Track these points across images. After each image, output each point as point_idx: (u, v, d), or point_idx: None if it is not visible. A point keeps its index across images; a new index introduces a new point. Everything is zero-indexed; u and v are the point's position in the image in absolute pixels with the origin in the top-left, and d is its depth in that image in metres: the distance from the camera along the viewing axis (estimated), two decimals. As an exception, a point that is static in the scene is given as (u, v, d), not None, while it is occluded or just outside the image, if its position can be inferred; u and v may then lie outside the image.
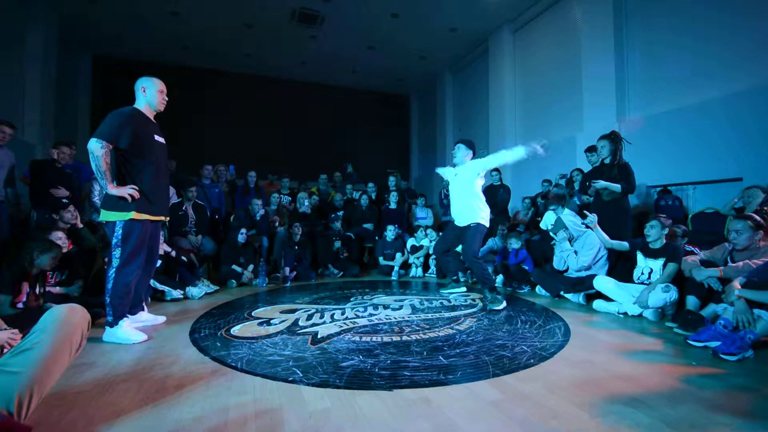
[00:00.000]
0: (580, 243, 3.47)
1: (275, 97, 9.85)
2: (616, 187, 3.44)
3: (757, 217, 2.52)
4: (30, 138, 5.95)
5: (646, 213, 4.34)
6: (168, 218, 2.69)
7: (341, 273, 4.91)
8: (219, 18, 7.01)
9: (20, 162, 4.10)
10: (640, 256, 3.08)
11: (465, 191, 3.31)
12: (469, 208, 3.28)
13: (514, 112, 7.37)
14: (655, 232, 2.98)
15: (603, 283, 3.10)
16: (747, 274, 2.29)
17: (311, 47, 8.18)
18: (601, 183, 3.49)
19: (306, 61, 8.96)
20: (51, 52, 6.48)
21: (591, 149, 4.48)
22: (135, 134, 2.31)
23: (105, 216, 2.31)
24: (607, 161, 3.60)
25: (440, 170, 3.75)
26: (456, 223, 3.45)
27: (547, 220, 4.07)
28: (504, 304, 3.09)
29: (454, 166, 3.50)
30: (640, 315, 2.83)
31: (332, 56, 8.65)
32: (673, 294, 2.71)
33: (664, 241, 3.00)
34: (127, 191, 2.26)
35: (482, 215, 3.27)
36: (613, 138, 3.56)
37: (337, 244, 4.98)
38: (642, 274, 3.02)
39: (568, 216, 3.57)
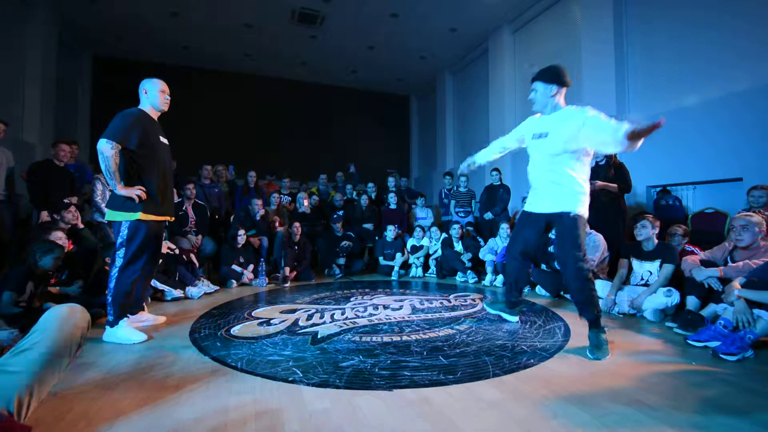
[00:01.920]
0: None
1: (275, 97, 9.85)
2: (613, 187, 3.46)
3: (760, 217, 2.52)
4: (30, 138, 5.95)
5: (643, 213, 4.35)
6: (173, 218, 2.70)
7: (341, 274, 4.92)
8: (219, 18, 7.01)
9: (21, 162, 4.11)
10: (634, 261, 3.05)
11: (559, 161, 2.17)
12: (564, 187, 2.19)
13: (514, 112, 7.36)
14: (645, 232, 2.97)
15: (601, 287, 3.09)
16: (747, 274, 2.29)
17: (311, 47, 8.18)
18: (598, 183, 3.52)
19: (306, 61, 8.96)
20: (51, 52, 6.48)
21: None
22: (143, 135, 2.32)
23: (111, 216, 2.32)
24: (602, 163, 3.61)
25: (523, 127, 2.45)
26: (534, 209, 2.36)
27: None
28: (608, 354, 2.03)
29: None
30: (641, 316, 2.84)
31: (332, 56, 8.65)
32: (675, 298, 2.70)
33: (656, 241, 2.98)
34: (135, 192, 2.27)
35: (583, 200, 2.18)
36: None
37: (341, 260, 4.97)
38: (641, 279, 2.99)
39: None
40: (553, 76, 2.19)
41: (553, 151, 2.16)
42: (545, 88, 2.21)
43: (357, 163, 8.33)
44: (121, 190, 2.25)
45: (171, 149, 2.63)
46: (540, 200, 2.31)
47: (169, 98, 2.53)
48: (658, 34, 4.83)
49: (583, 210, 2.17)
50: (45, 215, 3.71)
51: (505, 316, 2.68)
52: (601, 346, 2.04)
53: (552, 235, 2.66)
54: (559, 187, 2.20)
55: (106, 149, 2.18)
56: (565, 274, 2.22)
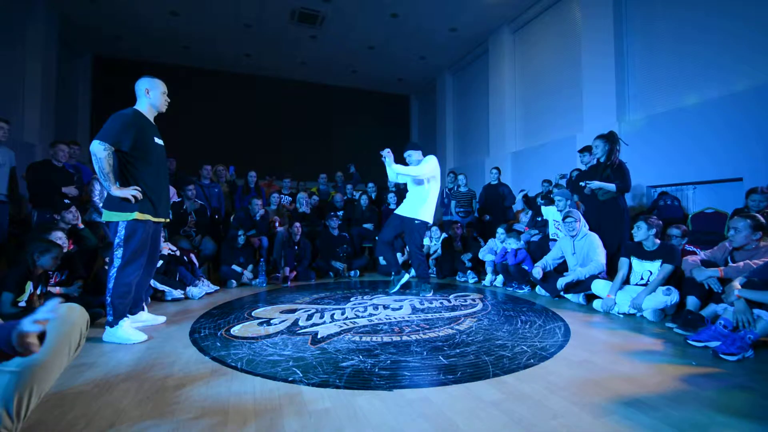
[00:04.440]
0: (583, 246, 3.45)
1: (275, 97, 9.85)
2: (611, 186, 3.44)
3: (760, 218, 2.51)
4: (30, 138, 5.95)
5: (643, 213, 4.35)
6: (169, 219, 2.69)
7: (357, 273, 4.96)
8: (219, 18, 7.01)
9: (20, 162, 4.11)
10: (634, 260, 3.05)
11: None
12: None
13: (513, 112, 7.37)
14: (641, 233, 2.97)
15: (601, 286, 3.10)
16: (747, 274, 2.28)
17: (311, 47, 8.19)
18: (595, 183, 3.50)
19: (306, 61, 8.97)
20: (51, 52, 6.48)
21: (584, 150, 4.50)
22: (137, 136, 2.31)
23: (107, 216, 2.31)
24: (601, 160, 3.60)
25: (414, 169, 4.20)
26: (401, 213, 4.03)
27: (547, 214, 4.11)
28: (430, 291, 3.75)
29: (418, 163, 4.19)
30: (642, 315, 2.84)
31: (332, 56, 8.65)
32: (674, 297, 2.70)
33: (657, 241, 2.97)
34: (131, 192, 2.26)
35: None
36: (610, 138, 3.56)
37: (339, 265, 4.97)
38: (641, 279, 2.98)
39: (578, 214, 3.56)
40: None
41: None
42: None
43: (357, 163, 8.32)
44: (116, 191, 2.24)
45: (168, 149, 2.62)
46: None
47: (168, 100, 2.54)
48: (658, 34, 4.83)
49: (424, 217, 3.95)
50: (38, 216, 3.71)
51: (398, 280, 3.88)
52: (426, 289, 3.75)
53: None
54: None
55: (99, 151, 2.17)
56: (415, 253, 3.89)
